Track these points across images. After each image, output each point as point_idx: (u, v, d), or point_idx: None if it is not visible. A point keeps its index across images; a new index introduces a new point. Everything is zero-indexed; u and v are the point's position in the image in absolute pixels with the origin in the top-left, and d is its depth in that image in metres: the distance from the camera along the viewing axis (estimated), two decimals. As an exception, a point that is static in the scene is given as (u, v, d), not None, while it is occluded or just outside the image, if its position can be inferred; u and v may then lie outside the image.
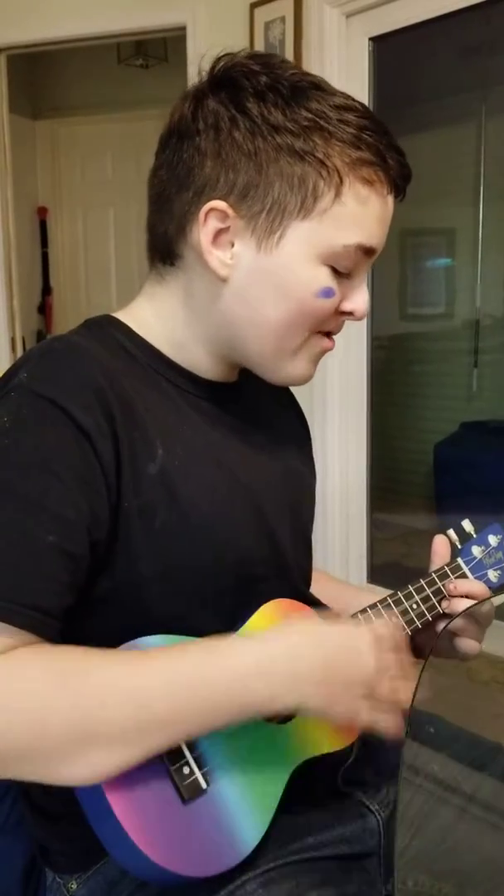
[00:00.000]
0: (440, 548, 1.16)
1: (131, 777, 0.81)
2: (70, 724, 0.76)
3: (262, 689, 0.84)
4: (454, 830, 1.04)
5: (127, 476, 0.88)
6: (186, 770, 0.86)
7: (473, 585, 1.11)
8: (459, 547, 1.18)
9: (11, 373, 0.89)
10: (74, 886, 0.97)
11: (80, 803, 0.84)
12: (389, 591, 1.11)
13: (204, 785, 0.87)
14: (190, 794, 0.86)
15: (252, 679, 0.83)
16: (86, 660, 0.80)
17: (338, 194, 0.91)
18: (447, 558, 1.15)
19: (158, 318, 1.00)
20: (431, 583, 1.12)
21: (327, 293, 0.94)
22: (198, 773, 0.87)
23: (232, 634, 0.93)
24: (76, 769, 0.78)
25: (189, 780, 0.86)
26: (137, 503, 0.89)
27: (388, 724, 0.90)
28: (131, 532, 0.89)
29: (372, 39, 3.22)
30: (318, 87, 0.92)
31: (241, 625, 0.97)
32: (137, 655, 0.84)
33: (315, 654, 0.87)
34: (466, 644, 1.09)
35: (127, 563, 0.89)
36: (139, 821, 0.81)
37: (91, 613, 0.89)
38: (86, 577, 0.86)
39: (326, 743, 0.99)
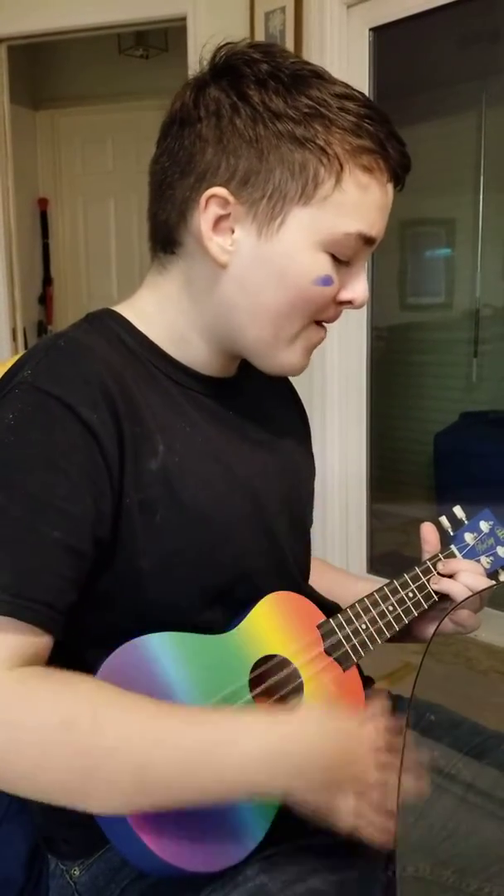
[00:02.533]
0: (429, 536, 1.17)
1: None
2: (71, 773, 0.77)
3: (264, 779, 0.83)
4: (454, 818, 1.04)
5: (129, 472, 0.88)
6: None
7: (460, 563, 1.14)
8: (452, 534, 1.18)
9: (15, 370, 0.90)
10: (77, 873, 0.98)
11: None
12: (387, 581, 1.12)
13: None
14: None
15: (256, 769, 0.82)
16: (98, 706, 0.79)
17: (338, 181, 0.91)
18: (437, 546, 1.16)
19: (160, 308, 1.00)
20: (427, 571, 1.12)
21: (326, 281, 0.94)
22: None
23: (246, 709, 0.91)
24: (72, 804, 0.78)
25: None
26: (138, 499, 0.89)
27: (373, 831, 0.87)
28: (132, 528, 0.89)
29: (372, 30, 3.22)
30: (319, 75, 0.93)
31: (241, 618, 0.97)
32: (153, 712, 0.81)
33: (322, 757, 0.85)
34: (469, 617, 1.12)
35: (127, 558, 0.89)
36: (146, 816, 0.81)
37: (92, 608, 0.89)
38: (88, 574, 0.86)
39: None
